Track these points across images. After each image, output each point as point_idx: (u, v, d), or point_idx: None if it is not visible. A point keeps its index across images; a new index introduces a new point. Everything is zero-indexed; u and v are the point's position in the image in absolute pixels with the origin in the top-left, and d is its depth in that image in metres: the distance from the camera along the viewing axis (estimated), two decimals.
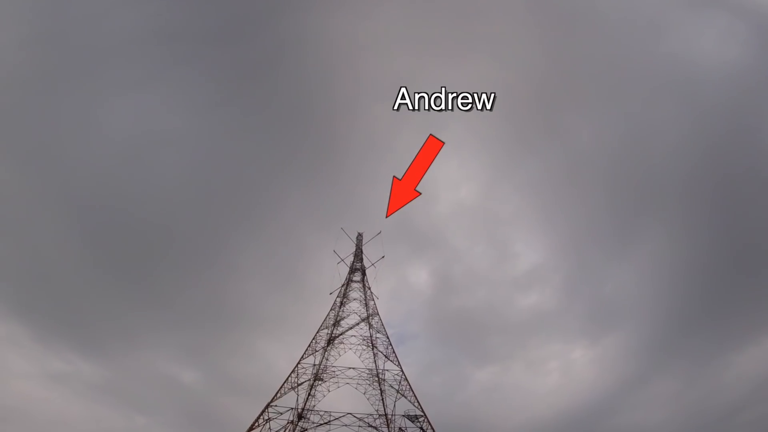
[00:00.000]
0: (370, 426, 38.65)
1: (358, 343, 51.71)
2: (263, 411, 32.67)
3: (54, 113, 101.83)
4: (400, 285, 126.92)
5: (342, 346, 50.17)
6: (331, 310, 56.51)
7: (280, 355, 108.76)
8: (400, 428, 41.94)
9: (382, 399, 44.66)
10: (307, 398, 37.51)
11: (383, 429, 40.04)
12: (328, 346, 48.96)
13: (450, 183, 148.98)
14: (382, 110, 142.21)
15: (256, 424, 30.64)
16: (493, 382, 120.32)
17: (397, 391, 46.49)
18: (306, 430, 32.76)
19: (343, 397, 41.36)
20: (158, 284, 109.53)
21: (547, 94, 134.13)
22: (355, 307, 59.05)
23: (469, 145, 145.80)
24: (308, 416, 34.82)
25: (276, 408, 33.89)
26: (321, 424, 34.47)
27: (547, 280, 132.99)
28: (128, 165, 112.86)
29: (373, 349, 51.99)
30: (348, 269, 67.97)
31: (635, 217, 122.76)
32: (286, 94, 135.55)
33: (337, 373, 43.83)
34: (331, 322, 53.65)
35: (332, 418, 35.89)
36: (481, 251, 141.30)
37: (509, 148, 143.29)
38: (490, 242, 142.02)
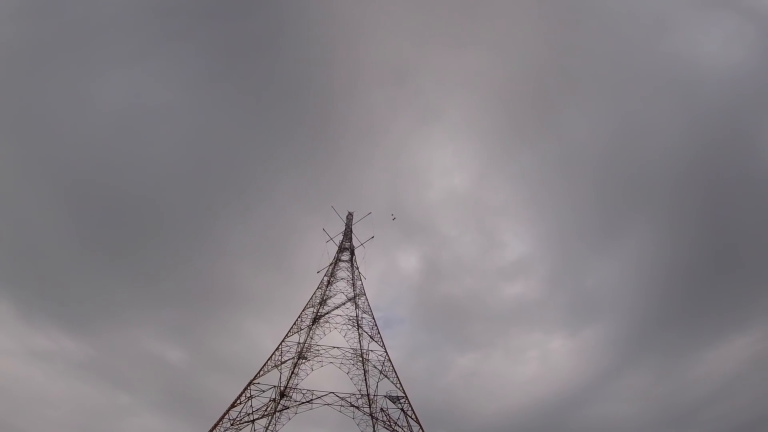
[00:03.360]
0: (352, 405, 38.95)
1: (344, 322, 51.77)
2: (245, 389, 32.66)
3: (46, 85, 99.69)
4: (390, 269, 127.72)
5: (327, 325, 50.20)
6: (317, 288, 56.40)
7: (266, 334, 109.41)
8: (381, 408, 42.39)
9: (365, 379, 45.00)
10: (290, 376, 37.56)
11: (365, 409, 40.41)
12: (313, 324, 48.96)
13: (444, 170, 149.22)
14: (381, 94, 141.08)
15: (238, 402, 30.63)
16: (474, 368, 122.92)
17: (381, 372, 46.84)
18: (288, 408, 32.82)
19: (326, 377, 41.64)
20: (147, 261, 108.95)
21: (545, 87, 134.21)
22: (342, 287, 58.98)
23: (464, 134, 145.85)
24: (290, 394, 34.91)
25: (258, 386, 33.89)
26: (303, 403, 34.58)
27: (533, 271, 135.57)
28: (120, 139, 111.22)
29: (358, 329, 52.16)
30: (337, 248, 67.77)
31: (622, 213, 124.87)
32: (284, 73, 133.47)
33: (321, 352, 43.94)
34: (317, 301, 53.57)
35: (314, 397, 36.03)
36: (470, 239, 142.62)
37: (504, 139, 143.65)
38: (479, 231, 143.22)
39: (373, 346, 50.37)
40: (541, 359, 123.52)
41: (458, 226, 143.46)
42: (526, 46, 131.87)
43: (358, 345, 49.45)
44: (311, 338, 46.12)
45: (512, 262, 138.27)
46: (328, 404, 36.11)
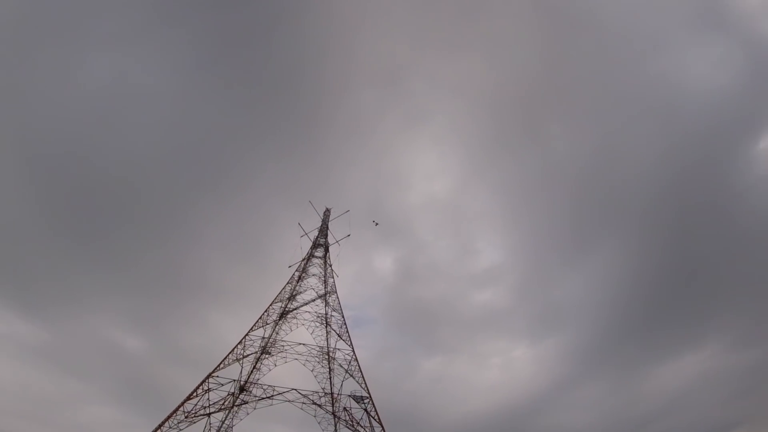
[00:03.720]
0: (315, 403, 38.15)
1: (312, 319, 50.88)
2: (203, 381, 31.49)
3: (26, 59, 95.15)
4: (365, 269, 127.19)
5: (295, 321, 49.21)
6: (287, 283, 55.31)
7: (233, 328, 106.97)
8: (344, 408, 41.71)
9: (330, 378, 44.25)
10: (252, 371, 36.51)
11: (328, 407, 39.66)
12: (280, 319, 47.91)
13: (426, 174, 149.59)
14: (371, 94, 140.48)
15: (195, 395, 29.47)
16: (439, 372, 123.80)
17: (346, 371, 46.14)
18: (247, 402, 31.80)
19: (289, 373, 40.68)
20: (116, 246, 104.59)
21: (534, 99, 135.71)
22: (313, 283, 58.04)
23: (450, 139, 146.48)
24: (250, 389, 33.88)
25: (218, 379, 32.75)
26: (263, 398, 33.59)
27: (503, 279, 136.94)
28: (100, 119, 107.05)
29: (326, 327, 51.35)
30: (311, 244, 66.79)
31: (595, 229, 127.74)
32: (275, 66, 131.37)
33: (286, 348, 42.96)
34: (286, 296, 52.51)
35: (275, 393, 35.08)
36: (446, 245, 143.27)
37: (488, 147, 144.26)
38: (455, 237, 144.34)
39: (341, 344, 49.65)
40: (504, 366, 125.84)
41: (435, 231, 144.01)
42: (519, 57, 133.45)
43: (325, 343, 48.66)
44: (277, 333, 45.09)
45: (484, 269, 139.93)
46: (289, 401, 35.21)
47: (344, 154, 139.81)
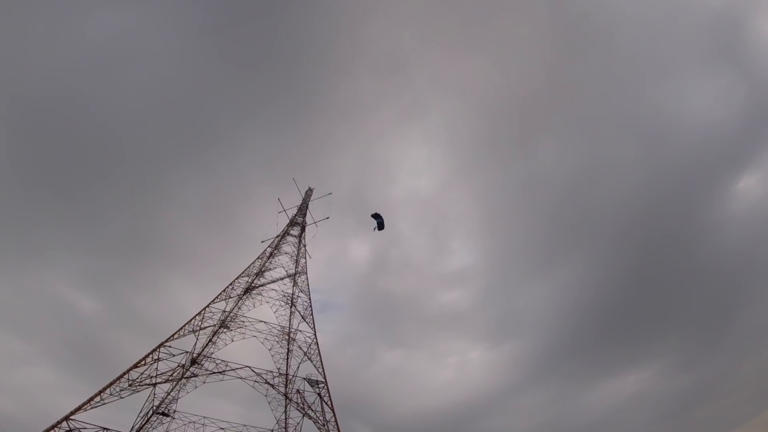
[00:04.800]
0: (267, 383, 37.83)
1: (278, 298, 50.41)
2: (155, 350, 30.82)
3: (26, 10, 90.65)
4: (339, 254, 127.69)
5: (259, 297, 48.65)
6: (257, 258, 54.60)
7: (195, 299, 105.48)
8: (297, 390, 41.53)
9: (287, 359, 43.97)
10: (207, 344, 35.97)
11: (280, 388, 39.40)
12: (244, 294, 47.31)
13: (413, 169, 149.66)
14: (371, 82, 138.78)
15: (143, 363, 28.83)
16: (398, 365, 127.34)
17: (305, 354, 45.92)
18: (196, 375, 31.31)
19: (245, 350, 40.28)
20: (87, 203, 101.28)
21: (531, 108, 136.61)
22: (284, 261, 57.43)
23: (441, 138, 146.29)
24: (203, 362, 33.37)
25: (170, 349, 32.13)
26: (214, 373, 33.13)
27: (472, 282, 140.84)
28: (92, 72, 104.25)
29: (291, 307, 50.96)
30: (288, 221, 66.00)
31: (565, 246, 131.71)
32: (280, 40, 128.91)
33: (246, 324, 42.44)
34: (254, 271, 51.87)
35: (228, 369, 34.62)
36: (422, 242, 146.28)
37: (478, 151, 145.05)
38: (432, 235, 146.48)
39: (303, 327, 49.39)
40: (460, 366, 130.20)
41: (414, 227, 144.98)
42: (524, 65, 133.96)
43: (288, 323, 48.30)
44: (239, 308, 44.50)
45: (455, 270, 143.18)
46: (241, 378, 34.81)
47: (336, 138, 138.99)
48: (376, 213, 60.84)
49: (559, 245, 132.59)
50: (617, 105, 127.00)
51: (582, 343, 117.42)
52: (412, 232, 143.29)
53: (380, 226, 60.43)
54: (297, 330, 48.21)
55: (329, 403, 41.36)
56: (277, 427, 34.07)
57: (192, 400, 28.96)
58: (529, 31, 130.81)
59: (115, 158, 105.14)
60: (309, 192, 72.66)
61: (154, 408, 26.07)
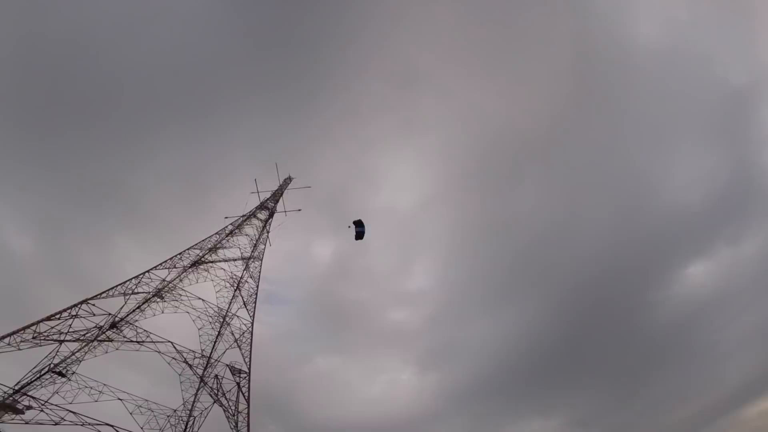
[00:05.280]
0: (185, 362, 37.37)
1: (224, 278, 49.95)
2: (76, 305, 30.18)
3: None
4: (302, 250, 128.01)
5: (205, 274, 48.13)
6: (216, 234, 54.11)
7: (139, 262, 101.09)
8: (216, 375, 41.12)
9: (215, 342, 43.48)
10: (134, 310, 35.40)
11: (198, 369, 38.95)
12: (190, 267, 46.75)
13: (398, 184, 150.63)
14: (380, 89, 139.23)
15: (57, 317, 28.18)
16: (330, 371, 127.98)
17: (235, 341, 45.55)
18: (111, 341, 30.75)
19: (173, 324, 39.58)
20: (59, 140, 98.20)
21: (525, 149, 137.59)
22: (242, 243, 57.00)
23: (433, 159, 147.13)
24: (123, 328, 32.81)
25: (93, 307, 31.51)
26: (132, 341, 32.59)
27: (422, 306, 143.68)
28: (110, 20, 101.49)
29: (236, 290, 50.52)
30: (259, 204, 65.56)
31: (519, 290, 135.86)
32: (303, 27, 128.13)
33: (183, 297, 41.90)
34: (208, 246, 51.34)
35: (149, 340, 34.10)
36: (387, 257, 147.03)
37: (465, 179, 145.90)
38: (398, 252, 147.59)
39: (243, 313, 49.02)
40: (390, 384, 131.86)
41: (383, 240, 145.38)
42: (531, 104, 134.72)
43: (227, 306, 47.85)
44: (180, 280, 43.92)
45: (411, 291, 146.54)
46: (159, 351, 34.31)
47: (330, 135, 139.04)
48: (359, 221, 59.68)
49: (515, 288, 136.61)
50: (605, 165, 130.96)
51: (510, 383, 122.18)
52: (381, 245, 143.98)
53: (359, 235, 59.26)
54: (234, 315, 47.79)
55: (246, 394, 41.07)
56: (182, 408, 33.60)
57: (96, 365, 28.35)
58: (548, 72, 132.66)
59: (106, 109, 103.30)
60: (287, 180, 72.39)
61: (52, 366, 25.47)
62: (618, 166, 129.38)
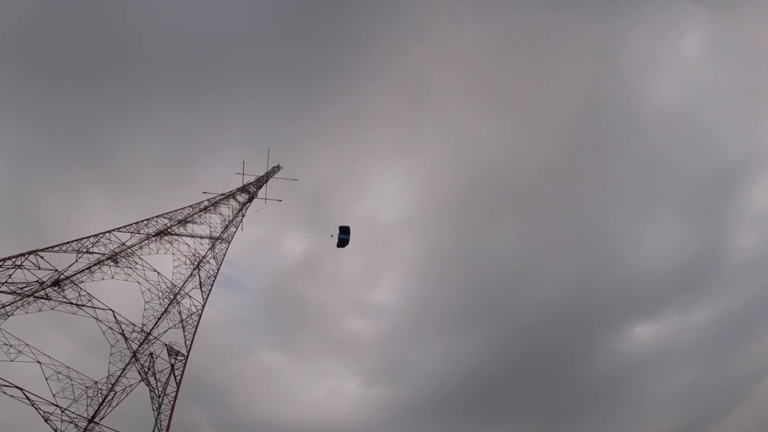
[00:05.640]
0: (122, 333, 36.23)
1: (187, 254, 48.87)
2: (23, 254, 28.94)
3: None
4: (272, 241, 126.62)
5: (168, 246, 47.02)
6: (189, 206, 52.91)
7: (104, 221, 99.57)
8: (152, 354, 39.99)
9: (159, 318, 42.35)
10: (84, 270, 34.23)
11: (133, 344, 37.80)
12: (155, 236, 45.60)
13: (383, 196, 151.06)
14: (391, 101, 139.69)
15: (0, 264, 26.96)
16: (274, 368, 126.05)
17: (181, 321, 44.48)
18: (49, 299, 29.58)
19: (119, 292, 38.49)
20: (58, 82, 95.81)
21: (514, 187, 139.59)
22: (213, 221, 55.89)
23: (423, 180, 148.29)
24: (66, 288, 31.63)
25: (41, 259, 30.29)
26: (71, 303, 31.42)
27: (381, 320, 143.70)
28: None
29: (194, 269, 49.44)
30: (241, 186, 64.50)
31: (476, 322, 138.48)
32: (332, 23, 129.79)
33: (137, 267, 40.73)
34: (179, 217, 50.19)
35: (89, 304, 32.93)
36: (357, 265, 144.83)
37: (449, 205, 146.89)
38: (368, 263, 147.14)
39: (196, 294, 47.94)
40: (333, 391, 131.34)
41: (357, 248, 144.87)
42: (531, 143, 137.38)
43: (182, 283, 46.76)
44: (140, 247, 42.75)
45: (373, 303, 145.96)
46: (97, 319, 33.16)
47: (328, 134, 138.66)
48: (346, 227, 57.43)
49: (469, 320, 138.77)
50: (582, 221, 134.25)
51: (445, 410, 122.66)
52: (353, 252, 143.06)
53: (342, 242, 57.05)
54: (187, 294, 46.68)
55: (178, 378, 40.03)
56: (104, 381, 32.49)
57: (23, 322, 27.16)
58: (554, 116, 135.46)
59: (114, 63, 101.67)
60: (276, 168, 71.48)
61: None
62: (593, 224, 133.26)
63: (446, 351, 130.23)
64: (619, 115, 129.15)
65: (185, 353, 42.29)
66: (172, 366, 40.56)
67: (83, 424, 28.90)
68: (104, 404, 31.65)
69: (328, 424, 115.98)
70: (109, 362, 33.16)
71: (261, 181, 68.29)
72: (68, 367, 29.32)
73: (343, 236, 55.45)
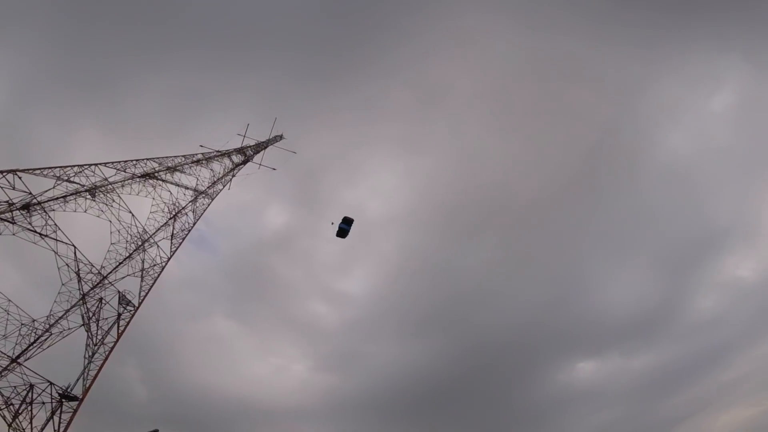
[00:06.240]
0: (77, 273, 34.37)
1: (166, 201, 46.91)
2: (2, 172, 26.86)
3: None
4: (256, 207, 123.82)
5: (150, 190, 44.97)
6: (182, 155, 50.76)
7: (93, 154, 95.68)
8: (102, 299, 38.17)
9: (119, 263, 40.43)
10: (58, 198, 32.17)
11: (86, 286, 35.94)
12: (140, 177, 43.52)
13: (375, 190, 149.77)
14: (408, 98, 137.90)
15: None
16: (223, 336, 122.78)
17: (142, 270, 42.68)
18: (14, 222, 27.59)
19: (86, 228, 36.49)
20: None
21: (503, 209, 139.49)
22: (202, 175, 53.90)
23: (418, 182, 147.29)
24: (34, 214, 29.62)
25: (18, 180, 28.21)
26: (34, 231, 29.45)
27: (345, 310, 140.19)
28: None
29: (171, 219, 47.51)
30: (239, 147, 62.47)
31: (436, 331, 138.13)
32: (369, 18, 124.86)
33: (113, 205, 38.69)
34: (168, 164, 48.07)
35: (52, 236, 30.98)
36: (334, 250, 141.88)
37: (437, 213, 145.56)
38: (345, 251, 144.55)
39: (165, 245, 46.10)
40: (279, 369, 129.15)
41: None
42: (529, 171, 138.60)
43: (154, 230, 44.84)
44: (122, 186, 40.67)
45: (341, 291, 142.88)
46: (55, 252, 31.29)
47: (336, 116, 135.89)
48: (350, 219, 55.34)
49: (430, 327, 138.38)
50: (556, 254, 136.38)
51: (389, 408, 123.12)
52: (333, 237, 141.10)
53: (342, 232, 54.94)
54: (156, 243, 44.81)
55: (121, 328, 38.39)
56: (44, 318, 30.70)
57: None
58: (562, 147, 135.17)
59: (144, 11, 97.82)
60: (278, 137, 69.85)
61: None
62: (567, 261, 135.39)
63: (402, 353, 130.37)
64: (623, 160, 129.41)
65: (136, 304, 40.59)
66: (119, 315, 38.87)
67: (4, 362, 27.17)
68: (35, 345, 29.88)
69: (265, 401, 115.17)
70: (55, 301, 31.26)
71: (260, 147, 66.42)
72: (9, 300, 27.46)
73: (344, 226, 53.49)
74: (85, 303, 35.12)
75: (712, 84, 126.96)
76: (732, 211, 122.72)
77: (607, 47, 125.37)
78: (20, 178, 27.91)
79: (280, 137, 70.18)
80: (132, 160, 41.73)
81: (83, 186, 35.10)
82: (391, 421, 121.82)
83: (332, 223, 53.92)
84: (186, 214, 50.32)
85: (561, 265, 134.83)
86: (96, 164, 36.40)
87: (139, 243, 42.60)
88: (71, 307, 33.56)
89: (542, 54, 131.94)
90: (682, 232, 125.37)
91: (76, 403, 29.92)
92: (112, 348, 36.73)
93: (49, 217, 30.94)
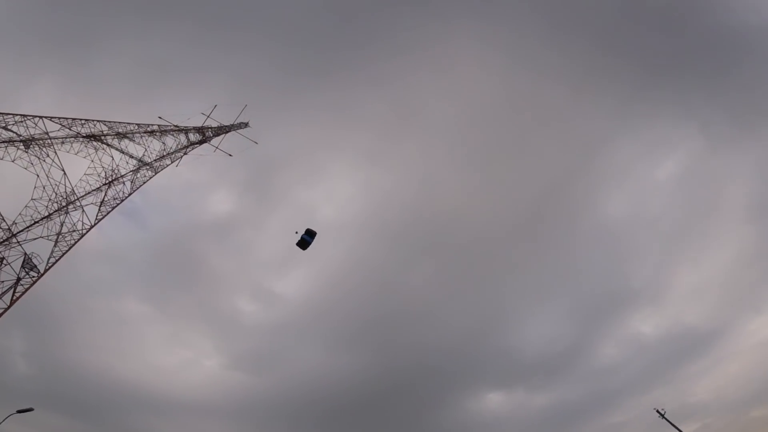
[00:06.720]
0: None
1: (106, 166, 43.54)
2: None
3: None
4: (200, 190, 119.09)
5: (92, 152, 41.58)
6: (135, 123, 47.49)
7: (46, 107, 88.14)
8: (3, 258, 34.37)
9: (38, 222, 36.74)
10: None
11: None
12: (85, 138, 40.15)
13: (331, 192, 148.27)
14: (380, 110, 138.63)
15: None
16: (133, 318, 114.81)
17: (59, 234, 38.95)
18: None
19: (9, 179, 33.17)
20: None
21: (449, 239, 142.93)
22: (152, 147, 50.61)
23: (377, 195, 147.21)
24: None
25: None
26: None
27: (274, 311, 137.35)
28: None
29: (106, 185, 44.01)
30: (200, 126, 59.58)
31: (360, 346, 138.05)
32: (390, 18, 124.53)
33: (47, 160, 35.30)
34: (119, 129, 44.81)
35: None
36: (275, 248, 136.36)
37: (385, 227, 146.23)
38: (289, 251, 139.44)
39: (91, 211, 42.53)
40: (188, 363, 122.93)
41: (289, 231, 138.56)
42: (485, 207, 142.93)
43: (83, 193, 41.28)
44: (62, 143, 37.24)
45: (274, 291, 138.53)
46: None
47: (309, 115, 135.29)
48: (313, 232, 53.76)
49: (362, 341, 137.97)
50: (489, 290, 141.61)
51: (301, 416, 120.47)
52: (277, 234, 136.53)
53: (303, 243, 53.15)
54: (82, 207, 41.22)
55: (17, 294, 34.74)
56: None
57: None
58: (520, 190, 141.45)
59: None
60: (243, 124, 67.48)
61: None
62: (497, 297, 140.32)
63: (324, 363, 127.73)
64: (566, 212, 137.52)
65: (42, 270, 36.96)
66: (18, 280, 35.23)
67: None
68: None
69: (167, 393, 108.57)
70: None
71: (221, 130, 63.71)
72: None
73: (307, 238, 52.02)
74: None
75: (667, 149, 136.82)
76: (647, 276, 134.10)
77: (583, 95, 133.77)
78: None
79: (246, 125, 67.75)
80: (80, 119, 38.41)
81: (19, 136, 31.70)
82: (299, 429, 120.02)
83: (296, 232, 52.61)
84: (123, 183, 46.92)
85: (490, 299, 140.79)
86: (41, 116, 33.20)
87: (64, 204, 39.04)
88: None
89: (518, 91, 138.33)
90: (601, 286, 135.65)
91: None
92: (1, 315, 33.18)
93: None
